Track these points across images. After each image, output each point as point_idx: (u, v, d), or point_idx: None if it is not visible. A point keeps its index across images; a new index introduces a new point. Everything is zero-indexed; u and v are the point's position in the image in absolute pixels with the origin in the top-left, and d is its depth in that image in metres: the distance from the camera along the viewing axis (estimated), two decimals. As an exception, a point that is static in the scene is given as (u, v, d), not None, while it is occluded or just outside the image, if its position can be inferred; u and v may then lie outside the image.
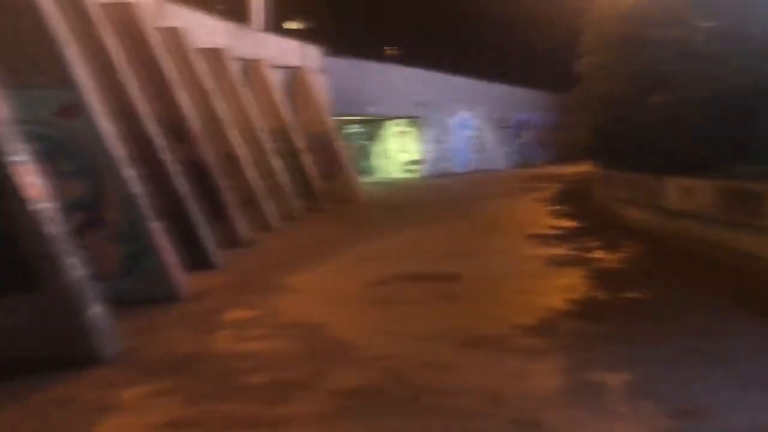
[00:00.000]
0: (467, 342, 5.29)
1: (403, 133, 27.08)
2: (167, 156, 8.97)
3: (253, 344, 5.40)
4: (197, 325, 6.01)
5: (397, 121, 26.69)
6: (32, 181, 4.84)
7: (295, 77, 18.60)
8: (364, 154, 26.93)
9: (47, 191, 5.00)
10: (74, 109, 6.67)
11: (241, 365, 4.86)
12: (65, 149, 6.71)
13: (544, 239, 10.60)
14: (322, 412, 3.96)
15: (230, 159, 12.87)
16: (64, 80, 6.65)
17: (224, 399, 4.20)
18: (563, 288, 7.12)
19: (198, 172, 10.70)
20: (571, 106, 16.77)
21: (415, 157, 27.01)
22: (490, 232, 12.14)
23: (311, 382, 4.44)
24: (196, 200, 10.31)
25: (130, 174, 6.98)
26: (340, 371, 4.66)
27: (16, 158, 4.77)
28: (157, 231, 7.08)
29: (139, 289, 6.83)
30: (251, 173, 13.10)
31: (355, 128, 26.53)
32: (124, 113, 8.47)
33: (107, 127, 6.92)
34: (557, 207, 15.83)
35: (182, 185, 9.03)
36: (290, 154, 16.42)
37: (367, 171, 26.20)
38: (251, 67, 16.56)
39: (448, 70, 27.37)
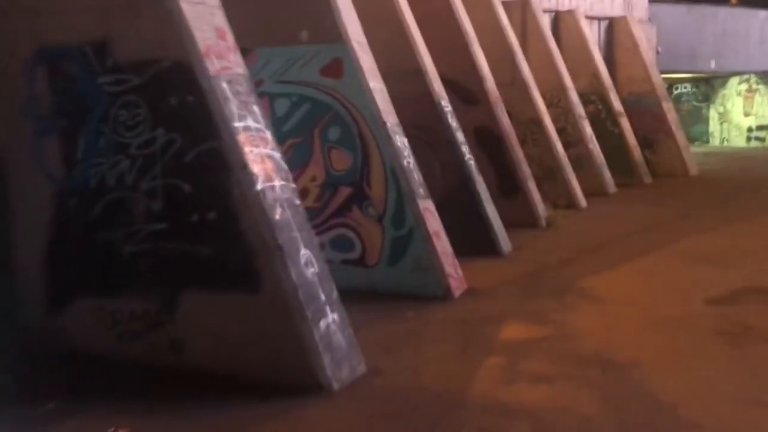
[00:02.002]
0: None
1: (749, 92, 22.14)
2: (454, 121, 7.69)
3: (532, 390, 3.77)
4: (461, 342, 4.58)
5: (743, 76, 21.89)
6: (260, 153, 3.85)
7: (615, 29, 15.99)
8: (697, 117, 22.76)
9: (281, 165, 3.99)
10: (339, 66, 5.70)
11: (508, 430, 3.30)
12: (330, 113, 5.81)
13: None
14: None
15: (531, 125, 11.23)
16: (332, 33, 5.71)
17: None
18: None
19: (490, 140, 9.31)
20: None
21: (765, 121, 21.85)
22: None
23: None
24: (485, 173, 8.96)
25: (401, 143, 5.83)
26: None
27: (241, 124, 3.81)
28: (429, 212, 5.83)
29: (402, 283, 5.69)
30: (555, 142, 11.27)
31: (686, 87, 22.56)
32: (406, 72, 7.41)
33: (378, 86, 5.83)
34: None
35: (468, 155, 7.69)
36: (604, 119, 14.11)
37: (700, 138, 22.12)
38: (563, 19, 14.56)
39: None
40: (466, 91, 9.34)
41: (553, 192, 10.89)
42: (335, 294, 3.99)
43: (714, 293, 5.63)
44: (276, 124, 6.00)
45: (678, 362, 4.13)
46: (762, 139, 21.49)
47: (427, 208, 5.81)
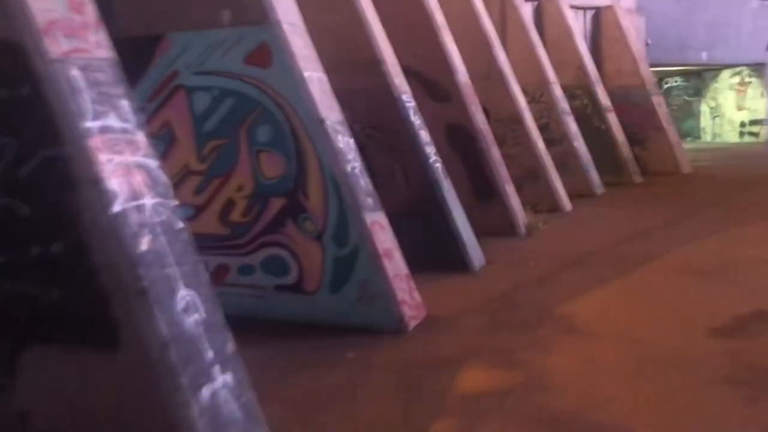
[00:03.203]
0: None
1: (742, 85, 21.25)
2: (417, 119, 6.74)
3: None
4: (406, 397, 3.63)
5: (735, 69, 21.01)
6: (124, 162, 2.89)
7: (601, 19, 15.10)
8: (688, 112, 21.88)
9: (157, 178, 3.03)
10: (266, 52, 4.74)
11: None
12: (258, 109, 4.85)
13: None
14: None
15: (511, 122, 10.31)
16: (258, 13, 4.76)
17: None
18: None
19: (463, 140, 8.37)
20: None
21: (759, 116, 20.95)
22: None
23: None
24: (458, 176, 8.04)
25: (344, 144, 4.87)
26: None
27: (98, 124, 2.84)
28: (380, 226, 4.87)
29: (347, 312, 4.74)
30: (537, 140, 10.35)
31: (677, 81, 21.67)
32: (361, 63, 6.47)
33: (315, 76, 4.87)
34: None
35: (434, 157, 6.75)
36: (590, 115, 13.22)
37: (691, 134, 21.25)
38: (546, 9, 13.65)
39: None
40: (435, 85, 8.41)
41: (535, 195, 9.99)
42: (230, 347, 3.03)
43: (717, 320, 4.72)
44: (195, 122, 5.04)
45: (677, 426, 3.20)
46: (756, 134, 20.62)
47: (377, 222, 4.85)
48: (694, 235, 7.83)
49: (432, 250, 6.56)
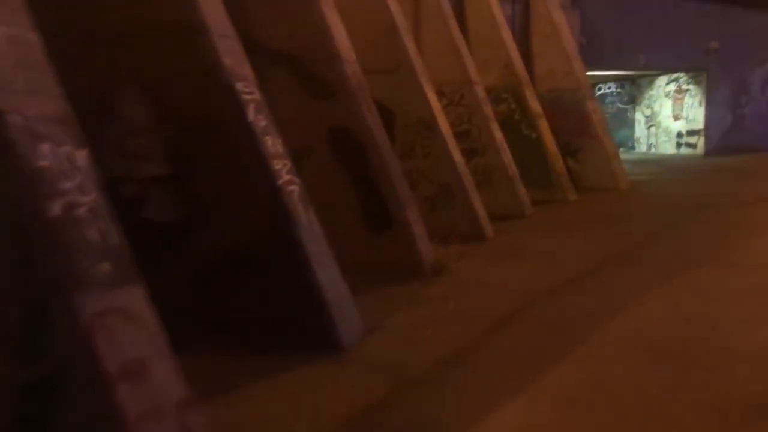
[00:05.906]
0: None
1: (679, 92, 19.91)
2: (261, 118, 4.51)
3: None
4: None
5: (673, 76, 19.67)
6: None
7: (532, 12, 13.29)
8: (622, 121, 20.48)
9: None
10: None
11: None
12: None
13: None
14: None
15: (421, 128, 8.23)
16: None
17: None
18: None
19: (350, 149, 6.24)
20: None
21: (696, 125, 19.63)
22: None
23: None
24: (343, 196, 5.96)
25: (53, 159, 2.57)
26: None
27: None
28: (122, 318, 2.59)
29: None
30: (453, 150, 8.29)
31: (610, 87, 20.22)
32: (172, 32, 4.25)
33: (2, 35, 2.56)
34: None
35: (287, 176, 4.52)
36: (518, 121, 11.34)
37: (625, 144, 19.86)
38: (468, -3, 11.72)
39: (757, 4, 19.10)
40: (314, 76, 6.26)
41: (448, 219, 7.96)
42: None
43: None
44: None
45: None
46: (693, 146, 19.32)
47: (116, 308, 2.56)
48: (649, 279, 5.90)
49: (279, 317, 4.36)
